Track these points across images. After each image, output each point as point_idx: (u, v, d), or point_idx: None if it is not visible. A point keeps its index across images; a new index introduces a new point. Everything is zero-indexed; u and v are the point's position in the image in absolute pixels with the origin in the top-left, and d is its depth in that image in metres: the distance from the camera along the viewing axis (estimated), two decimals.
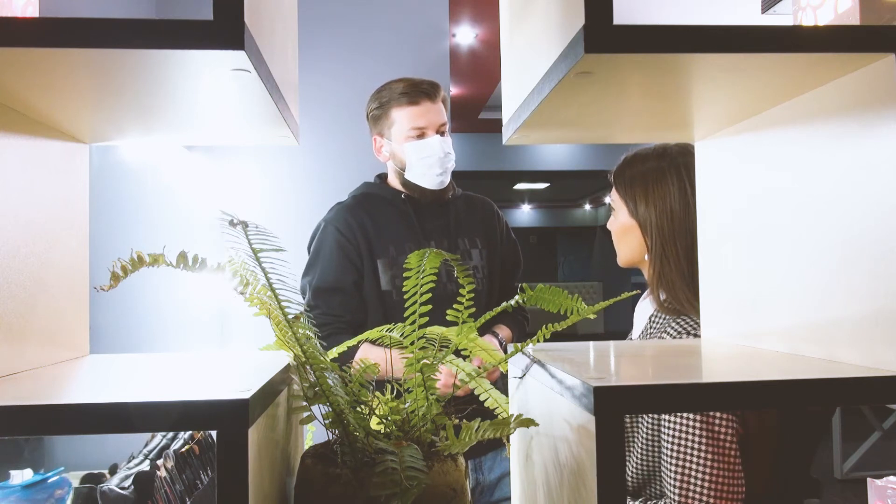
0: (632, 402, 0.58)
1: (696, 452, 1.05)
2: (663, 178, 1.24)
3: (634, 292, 0.96)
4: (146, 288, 1.99)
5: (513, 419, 0.64)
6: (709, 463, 1.04)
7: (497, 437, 0.64)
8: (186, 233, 2.37)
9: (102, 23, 0.55)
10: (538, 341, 0.74)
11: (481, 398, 0.83)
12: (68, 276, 0.85)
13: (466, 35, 5.56)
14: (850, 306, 0.67)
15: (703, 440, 1.05)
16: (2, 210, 0.71)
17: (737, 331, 0.90)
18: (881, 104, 0.62)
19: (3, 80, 0.64)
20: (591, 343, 0.95)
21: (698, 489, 1.04)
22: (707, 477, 1.04)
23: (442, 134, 1.73)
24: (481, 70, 6.28)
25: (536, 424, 0.64)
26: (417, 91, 1.70)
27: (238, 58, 0.58)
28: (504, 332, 1.79)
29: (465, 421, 0.68)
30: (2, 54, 0.57)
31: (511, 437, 0.92)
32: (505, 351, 1.71)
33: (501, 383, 1.32)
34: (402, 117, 1.71)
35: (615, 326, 8.53)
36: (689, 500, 1.04)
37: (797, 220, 0.75)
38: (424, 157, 1.70)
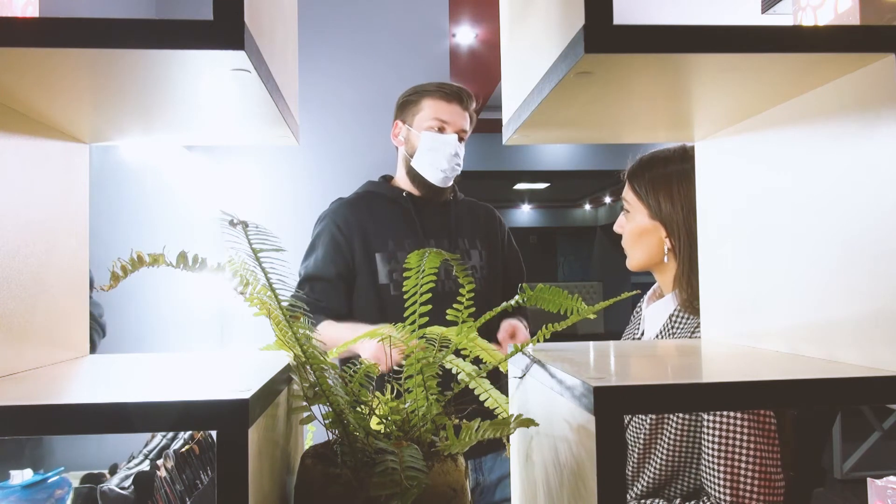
0: (632, 402, 0.58)
1: (744, 448, 1.06)
2: (688, 179, 1.25)
3: (634, 292, 0.96)
4: (146, 288, 1.99)
5: (513, 419, 0.64)
6: (758, 458, 1.05)
7: (497, 437, 0.64)
8: (186, 233, 2.37)
9: (102, 23, 0.55)
10: (538, 341, 0.74)
11: (481, 398, 0.83)
12: (68, 276, 0.85)
13: (466, 35, 5.56)
14: (850, 306, 0.67)
15: (753, 436, 1.06)
16: (2, 210, 0.71)
17: (737, 331, 0.90)
18: (881, 104, 0.62)
19: (3, 80, 0.64)
20: (591, 343, 0.95)
21: (748, 484, 1.04)
22: (757, 472, 1.05)
23: (461, 139, 1.80)
24: (481, 70, 6.28)
25: (536, 424, 0.64)
26: (454, 92, 1.80)
27: (238, 58, 0.58)
28: (523, 321, 1.83)
29: (465, 421, 0.68)
30: (2, 54, 0.57)
31: (511, 437, 0.92)
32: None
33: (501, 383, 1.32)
34: (431, 107, 1.79)
35: (615, 326, 8.52)
36: (742, 496, 1.04)
37: (797, 220, 0.75)
38: (435, 148, 1.76)
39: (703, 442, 1.11)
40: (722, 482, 1.06)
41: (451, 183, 1.82)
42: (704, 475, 1.10)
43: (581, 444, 0.60)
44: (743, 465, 1.05)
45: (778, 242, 0.79)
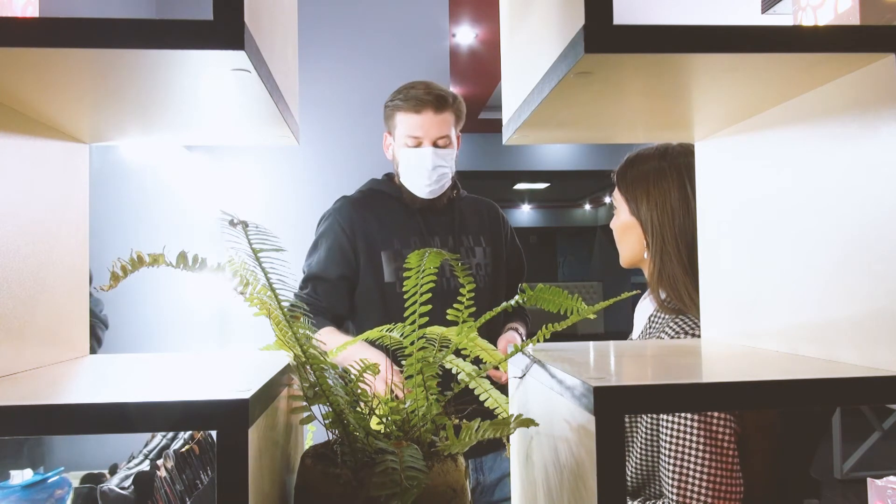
0: (632, 402, 0.58)
1: (693, 452, 1.05)
2: (664, 177, 1.25)
3: (634, 292, 0.97)
4: (146, 288, 1.99)
5: (513, 419, 0.64)
6: (706, 463, 1.04)
7: (497, 437, 0.64)
8: (186, 233, 2.37)
9: (102, 23, 0.55)
10: (538, 341, 0.74)
11: (481, 398, 0.83)
12: (68, 276, 0.85)
13: (466, 35, 5.56)
14: (850, 306, 0.67)
15: (701, 440, 1.05)
16: (2, 210, 0.71)
17: (737, 331, 0.90)
18: (881, 104, 0.62)
19: (3, 80, 0.64)
20: (591, 343, 0.95)
21: (696, 489, 1.04)
22: (705, 477, 1.04)
23: (442, 146, 1.73)
24: (481, 70, 6.28)
25: (536, 424, 0.64)
26: (421, 100, 1.71)
27: (238, 58, 0.58)
28: (523, 328, 1.82)
29: (465, 421, 0.68)
30: (2, 54, 0.57)
31: (511, 437, 0.92)
32: None
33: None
34: (403, 123, 1.74)
35: (615, 326, 8.53)
36: (688, 501, 1.04)
37: (797, 220, 0.75)
38: (413, 166, 1.74)
39: (660, 443, 1.11)
40: (671, 483, 1.06)
41: (441, 192, 1.79)
42: (662, 478, 1.10)
43: (581, 444, 0.60)
44: (691, 469, 1.05)
45: (778, 242, 0.79)
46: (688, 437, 1.06)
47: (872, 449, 4.39)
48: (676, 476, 1.06)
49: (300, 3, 1.00)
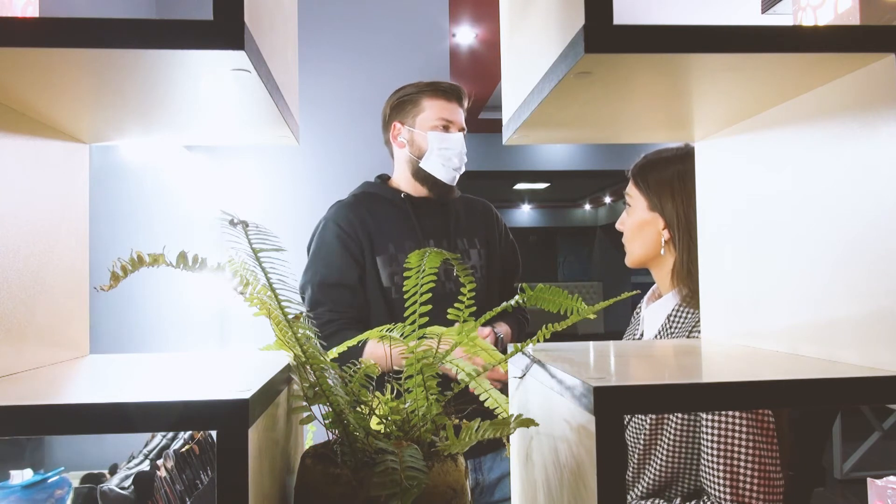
0: (632, 402, 0.58)
1: (744, 448, 1.06)
2: (690, 177, 1.26)
3: (634, 292, 0.96)
4: (146, 288, 1.99)
5: (513, 419, 0.64)
6: (758, 457, 1.06)
7: (497, 437, 0.64)
8: (186, 233, 2.37)
9: (102, 23, 0.55)
10: (538, 341, 0.74)
11: (481, 398, 0.83)
12: (68, 276, 0.85)
13: (466, 35, 5.56)
14: (850, 306, 0.67)
15: (751, 435, 1.06)
16: (2, 210, 0.71)
17: (737, 331, 0.90)
18: (881, 104, 0.62)
19: (3, 80, 0.64)
20: (591, 343, 0.95)
21: (748, 484, 1.05)
22: (756, 472, 1.05)
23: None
24: (481, 70, 6.28)
25: (536, 424, 0.64)
26: (452, 90, 1.81)
27: (238, 58, 0.58)
28: (502, 328, 1.81)
29: (465, 421, 0.68)
30: (2, 54, 0.57)
31: (511, 437, 0.92)
32: (503, 349, 1.75)
33: (501, 383, 1.31)
34: (433, 107, 1.79)
35: (615, 326, 8.53)
36: (742, 496, 1.05)
37: (797, 219, 0.75)
38: (446, 147, 1.77)
39: (702, 442, 1.11)
40: (721, 482, 1.06)
41: (455, 183, 1.82)
42: (704, 475, 1.10)
43: (581, 444, 0.60)
44: (742, 465, 1.06)
45: (778, 242, 0.79)
46: (736, 432, 1.07)
47: (872, 449, 4.40)
48: (728, 473, 1.06)
49: (300, 3, 1.00)
